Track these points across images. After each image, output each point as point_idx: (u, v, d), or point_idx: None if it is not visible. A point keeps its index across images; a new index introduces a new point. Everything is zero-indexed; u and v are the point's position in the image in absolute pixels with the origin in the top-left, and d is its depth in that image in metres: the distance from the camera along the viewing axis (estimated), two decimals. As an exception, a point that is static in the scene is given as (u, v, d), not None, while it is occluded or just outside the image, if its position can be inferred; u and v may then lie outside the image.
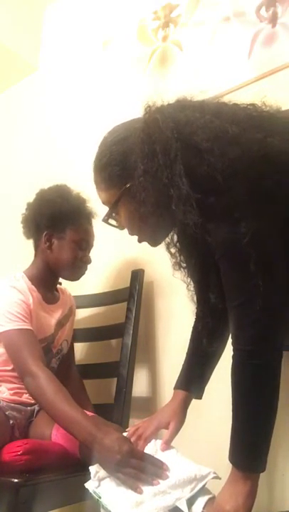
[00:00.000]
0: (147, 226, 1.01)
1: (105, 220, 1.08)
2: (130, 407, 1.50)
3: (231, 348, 0.89)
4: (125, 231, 1.08)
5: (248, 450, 0.87)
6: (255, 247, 0.82)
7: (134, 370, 1.53)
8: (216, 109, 0.96)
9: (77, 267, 1.45)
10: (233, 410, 0.88)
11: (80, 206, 1.45)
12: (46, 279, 1.46)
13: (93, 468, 1.02)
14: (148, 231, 1.03)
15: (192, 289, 1.07)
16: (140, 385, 1.61)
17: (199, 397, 1.15)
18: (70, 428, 1.11)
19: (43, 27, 2.39)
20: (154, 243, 1.06)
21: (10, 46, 2.22)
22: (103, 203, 1.07)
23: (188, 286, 1.05)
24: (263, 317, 0.83)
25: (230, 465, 0.88)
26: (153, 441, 1.08)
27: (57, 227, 1.43)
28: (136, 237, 1.07)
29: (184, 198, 0.86)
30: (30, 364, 1.21)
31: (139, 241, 1.06)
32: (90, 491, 1.00)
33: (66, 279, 1.51)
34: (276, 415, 0.87)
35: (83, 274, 1.48)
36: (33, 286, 1.41)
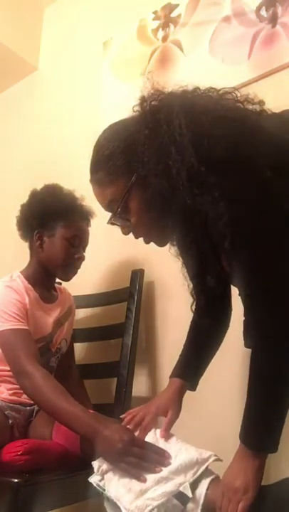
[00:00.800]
0: (157, 221, 0.93)
1: (114, 218, 0.98)
2: (130, 407, 1.50)
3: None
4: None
5: (264, 429, 0.87)
6: (261, 232, 0.81)
7: (134, 370, 1.53)
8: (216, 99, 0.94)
9: (69, 265, 1.44)
10: (251, 395, 0.88)
11: (70, 203, 1.44)
12: (42, 278, 1.46)
13: (96, 463, 1.03)
14: (157, 227, 0.95)
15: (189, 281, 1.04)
16: (140, 385, 1.61)
17: (193, 388, 1.15)
18: (70, 423, 1.10)
19: (43, 27, 2.39)
20: (162, 242, 0.99)
21: (10, 46, 2.22)
22: (108, 202, 0.98)
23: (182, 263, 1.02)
24: (285, 302, 0.82)
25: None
26: (153, 430, 1.07)
27: (47, 225, 1.43)
28: (135, 237, 1.03)
29: (194, 174, 0.83)
30: (25, 364, 1.20)
31: (147, 241, 0.99)
32: (94, 484, 1.01)
33: (59, 277, 1.50)
34: None
35: (76, 272, 1.46)
36: (29, 286, 1.41)
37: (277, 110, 1.25)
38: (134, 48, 1.85)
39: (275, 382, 0.86)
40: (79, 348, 1.70)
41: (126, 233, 1.00)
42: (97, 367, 1.65)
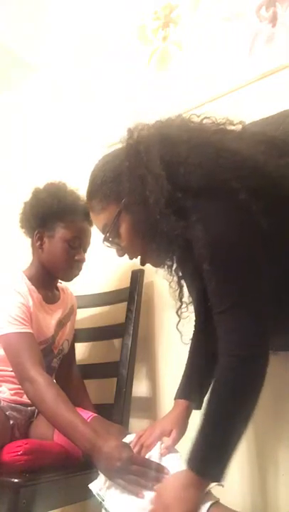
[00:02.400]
0: (149, 242, 0.97)
1: (106, 240, 1.04)
2: (130, 407, 1.50)
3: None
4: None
5: (217, 458, 0.87)
6: (237, 251, 0.86)
7: (134, 370, 1.53)
8: (192, 126, 1.00)
9: (68, 267, 1.42)
10: (206, 416, 0.88)
11: (72, 203, 1.42)
12: (44, 278, 1.45)
13: (102, 475, 1.03)
14: (150, 248, 0.99)
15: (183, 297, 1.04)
16: (140, 385, 1.61)
17: (199, 407, 1.13)
18: (70, 435, 1.11)
19: (43, 26, 2.38)
20: (157, 262, 1.04)
21: (10, 46, 2.21)
22: (103, 227, 1.04)
23: (170, 283, 1.04)
24: (253, 321, 0.85)
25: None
26: (158, 443, 1.07)
27: (47, 225, 1.42)
28: (130, 259, 1.07)
29: (166, 200, 0.89)
30: (29, 369, 1.20)
31: (142, 263, 1.04)
32: (94, 492, 1.01)
33: (60, 278, 1.49)
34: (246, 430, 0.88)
35: (77, 274, 1.45)
36: (33, 287, 1.40)
37: (277, 110, 1.26)
38: (134, 47, 1.85)
39: (232, 405, 0.87)
40: (79, 348, 1.70)
41: (120, 255, 1.06)
42: (97, 367, 1.65)
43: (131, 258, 1.06)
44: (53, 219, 1.41)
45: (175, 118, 1.02)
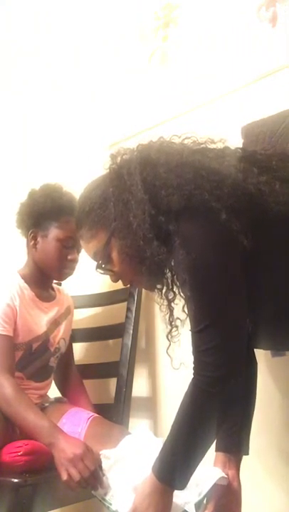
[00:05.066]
0: (138, 267, 0.97)
1: (100, 268, 1.04)
2: (130, 407, 1.50)
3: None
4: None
5: (179, 468, 0.91)
6: (216, 273, 0.86)
7: (134, 370, 1.53)
8: (172, 149, 0.99)
9: (61, 266, 1.43)
10: (172, 427, 0.92)
11: (66, 203, 1.42)
12: (39, 277, 1.46)
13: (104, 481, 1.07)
14: (139, 274, 0.99)
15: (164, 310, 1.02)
16: (140, 385, 1.61)
17: (246, 452, 1.10)
18: (35, 434, 1.18)
19: (43, 27, 2.38)
20: (148, 286, 1.03)
21: (10, 46, 2.21)
22: (93, 254, 1.04)
23: (160, 307, 1.01)
24: (226, 344, 0.87)
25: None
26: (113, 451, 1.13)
27: (41, 225, 1.43)
28: (124, 285, 1.07)
29: (150, 224, 0.90)
30: None
31: (136, 286, 1.05)
32: (99, 498, 1.02)
33: (53, 278, 1.50)
34: (210, 443, 0.94)
35: (70, 273, 1.46)
36: (25, 285, 1.42)
37: (277, 110, 1.26)
38: (134, 47, 1.85)
39: (197, 421, 0.90)
40: (79, 348, 1.70)
41: (114, 281, 1.06)
42: (97, 367, 1.66)
43: (125, 284, 1.07)
44: (47, 219, 1.42)
45: (156, 141, 1.02)
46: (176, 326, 0.97)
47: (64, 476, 1.09)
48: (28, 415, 1.19)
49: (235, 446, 1.06)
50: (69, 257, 1.42)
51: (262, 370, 1.28)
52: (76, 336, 1.64)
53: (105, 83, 1.93)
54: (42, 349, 1.42)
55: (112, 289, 1.69)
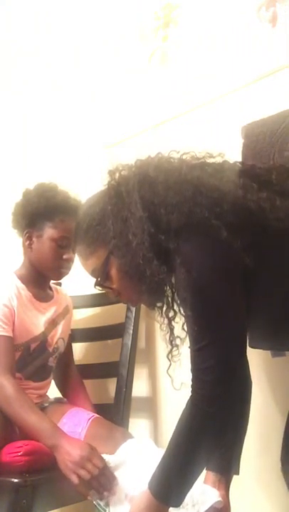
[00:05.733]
0: (138, 285, 0.96)
1: (98, 285, 1.03)
2: (130, 407, 1.50)
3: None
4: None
5: (175, 486, 0.91)
6: (214, 293, 0.86)
7: (134, 370, 1.53)
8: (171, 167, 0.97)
9: (57, 266, 1.43)
10: (168, 444, 0.92)
11: (60, 203, 1.42)
12: (35, 277, 1.46)
13: None
14: (138, 292, 0.99)
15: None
16: (140, 385, 1.61)
17: (237, 472, 1.10)
18: (36, 436, 1.17)
19: (43, 27, 2.38)
20: (148, 304, 1.03)
21: (10, 46, 2.21)
22: (92, 271, 1.03)
23: (160, 326, 1.00)
24: (226, 363, 0.86)
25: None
26: (121, 448, 1.13)
27: (35, 225, 1.43)
28: (123, 302, 1.08)
29: (149, 243, 0.89)
30: None
31: (133, 304, 1.05)
32: (95, 502, 1.03)
33: (49, 277, 1.50)
34: (207, 462, 0.96)
35: (66, 273, 1.45)
36: (22, 285, 1.42)
37: (277, 110, 1.26)
38: (134, 47, 1.85)
39: (194, 440, 0.90)
40: (79, 348, 1.70)
41: (113, 297, 1.05)
42: (97, 367, 1.66)
43: (124, 302, 1.07)
44: (41, 219, 1.42)
45: (154, 156, 1.01)
46: (177, 345, 0.96)
47: (75, 480, 1.08)
48: (30, 416, 1.19)
49: (226, 467, 1.07)
50: (64, 257, 1.41)
51: (262, 370, 1.29)
52: (76, 336, 1.64)
53: (105, 83, 1.93)
54: (40, 349, 1.42)
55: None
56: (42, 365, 1.43)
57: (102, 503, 1.02)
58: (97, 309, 1.75)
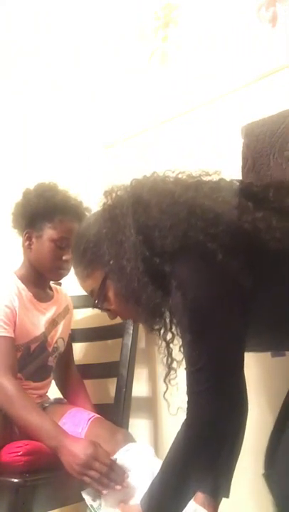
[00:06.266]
0: (135, 308, 0.95)
1: (96, 307, 1.04)
2: (130, 407, 1.50)
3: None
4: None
5: (167, 507, 0.91)
6: (210, 316, 0.85)
7: (134, 370, 1.53)
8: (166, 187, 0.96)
9: (56, 267, 1.42)
10: (163, 463, 0.92)
11: (60, 203, 1.42)
12: (35, 278, 1.46)
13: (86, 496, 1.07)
14: (136, 314, 0.98)
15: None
16: (140, 385, 1.61)
17: (226, 495, 1.09)
18: (40, 436, 1.16)
19: (43, 27, 2.38)
20: (148, 327, 1.00)
21: (10, 46, 2.21)
22: (90, 293, 1.04)
23: (159, 348, 0.99)
24: (221, 387, 0.85)
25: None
26: (127, 446, 1.13)
27: (35, 226, 1.43)
28: (122, 320, 1.07)
29: (145, 267, 0.88)
30: (0, 374, 1.24)
31: (134, 323, 1.04)
32: (87, 503, 1.04)
33: (49, 278, 1.50)
34: (199, 486, 0.96)
35: (65, 274, 1.44)
36: (23, 286, 1.42)
37: (277, 110, 1.26)
38: (134, 47, 1.85)
39: (187, 463, 0.89)
40: (79, 348, 1.70)
41: (112, 318, 1.07)
42: (97, 367, 1.65)
43: (122, 319, 1.07)
44: (41, 219, 1.42)
45: (149, 176, 1.00)
46: (174, 369, 0.95)
47: (87, 480, 1.07)
48: (32, 417, 1.19)
49: (216, 489, 1.06)
50: (64, 258, 1.40)
51: (262, 370, 1.29)
52: (76, 336, 1.64)
53: (105, 83, 1.93)
54: (40, 349, 1.42)
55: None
56: (42, 365, 1.43)
57: (94, 505, 1.02)
58: (97, 309, 1.74)
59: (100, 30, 2.00)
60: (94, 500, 1.04)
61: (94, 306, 1.04)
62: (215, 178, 0.97)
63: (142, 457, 1.11)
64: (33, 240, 1.43)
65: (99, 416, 1.35)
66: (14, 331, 1.35)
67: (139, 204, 0.93)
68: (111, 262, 0.94)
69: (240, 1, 1.52)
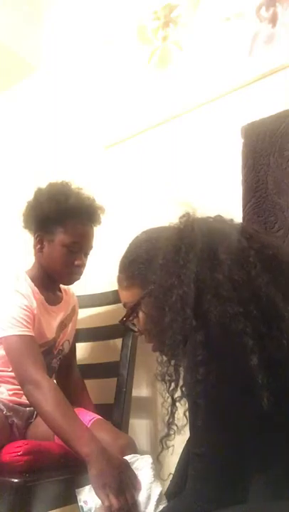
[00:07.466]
0: (159, 337, 0.90)
1: (123, 322, 1.01)
2: (130, 407, 1.50)
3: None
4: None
5: None
6: (230, 409, 0.78)
7: (134, 370, 1.53)
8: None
9: (68, 271, 1.39)
10: None
11: (72, 207, 1.37)
12: (46, 280, 1.43)
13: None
14: (159, 342, 0.93)
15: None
16: (140, 385, 1.61)
17: None
18: (71, 441, 1.10)
19: (43, 27, 2.38)
20: (170, 354, 0.90)
21: (11, 46, 2.21)
22: (124, 303, 1.02)
23: (163, 403, 0.91)
24: (220, 480, 0.79)
25: None
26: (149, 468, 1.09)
27: (47, 229, 1.38)
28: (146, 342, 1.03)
29: (181, 323, 0.82)
30: (33, 373, 1.20)
31: (153, 350, 0.98)
32: (79, 502, 1.03)
33: (60, 282, 1.48)
34: None
35: (77, 278, 1.42)
36: (36, 289, 1.39)
37: (277, 110, 1.26)
38: (134, 47, 1.85)
39: None
40: (79, 348, 1.70)
41: (139, 335, 1.04)
42: (97, 367, 1.65)
43: (146, 342, 1.01)
44: (53, 223, 1.37)
45: (229, 230, 0.90)
46: (174, 431, 0.88)
47: (115, 504, 0.99)
48: (66, 420, 1.13)
49: None
50: (76, 263, 1.37)
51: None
52: (77, 335, 1.64)
53: (105, 83, 1.93)
54: (46, 353, 1.40)
55: (113, 289, 1.69)
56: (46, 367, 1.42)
57: (85, 508, 1.02)
58: (97, 309, 1.74)
59: (100, 30, 2.00)
60: (86, 503, 1.02)
61: (121, 321, 1.01)
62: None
63: (141, 477, 1.07)
64: (45, 243, 1.39)
65: (100, 417, 1.34)
66: None
67: (210, 260, 0.85)
68: (153, 287, 0.90)
69: (240, 1, 1.53)
